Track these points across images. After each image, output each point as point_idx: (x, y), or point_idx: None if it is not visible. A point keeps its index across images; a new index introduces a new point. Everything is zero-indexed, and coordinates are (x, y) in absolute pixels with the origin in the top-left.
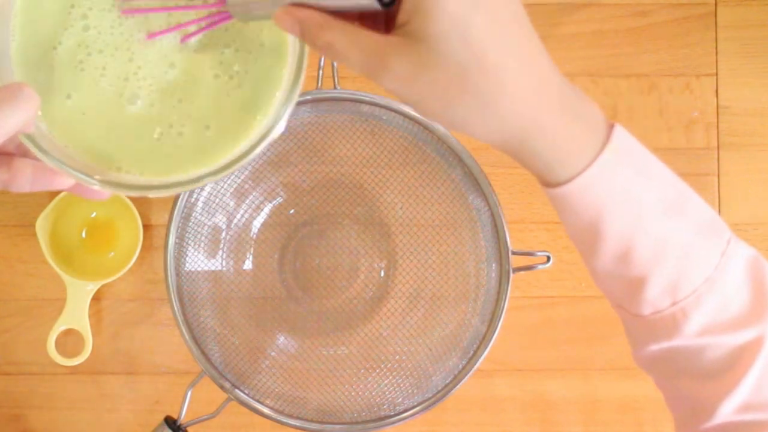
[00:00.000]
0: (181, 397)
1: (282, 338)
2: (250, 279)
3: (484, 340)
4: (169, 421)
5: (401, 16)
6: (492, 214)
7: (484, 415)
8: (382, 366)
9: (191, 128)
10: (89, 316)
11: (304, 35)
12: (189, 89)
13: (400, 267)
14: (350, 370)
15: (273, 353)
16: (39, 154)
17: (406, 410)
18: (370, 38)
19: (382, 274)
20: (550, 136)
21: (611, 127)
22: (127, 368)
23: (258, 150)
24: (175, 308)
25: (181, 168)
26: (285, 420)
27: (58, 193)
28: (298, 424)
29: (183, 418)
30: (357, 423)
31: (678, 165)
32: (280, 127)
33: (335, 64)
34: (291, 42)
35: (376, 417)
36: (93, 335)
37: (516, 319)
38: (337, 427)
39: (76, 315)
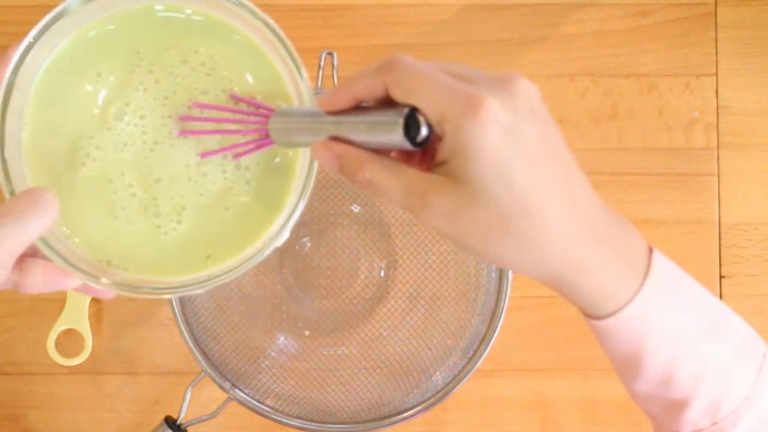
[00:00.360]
0: (181, 397)
1: (282, 338)
2: (250, 279)
3: (484, 340)
4: (169, 421)
5: (440, 155)
6: None
7: (484, 415)
8: (382, 366)
9: (203, 234)
10: (89, 316)
11: (343, 169)
12: (203, 197)
13: (400, 267)
14: (350, 370)
15: (273, 353)
16: (52, 256)
17: (406, 410)
18: (410, 175)
19: (382, 274)
20: (592, 273)
21: (650, 251)
22: (127, 368)
23: (263, 256)
24: (175, 308)
25: (189, 271)
26: (285, 420)
27: None
28: (298, 424)
29: (183, 418)
30: (357, 423)
31: (678, 165)
32: (285, 235)
33: (335, 63)
34: (302, 158)
35: (376, 417)
36: (93, 335)
37: (516, 319)
38: (337, 427)
39: (76, 315)
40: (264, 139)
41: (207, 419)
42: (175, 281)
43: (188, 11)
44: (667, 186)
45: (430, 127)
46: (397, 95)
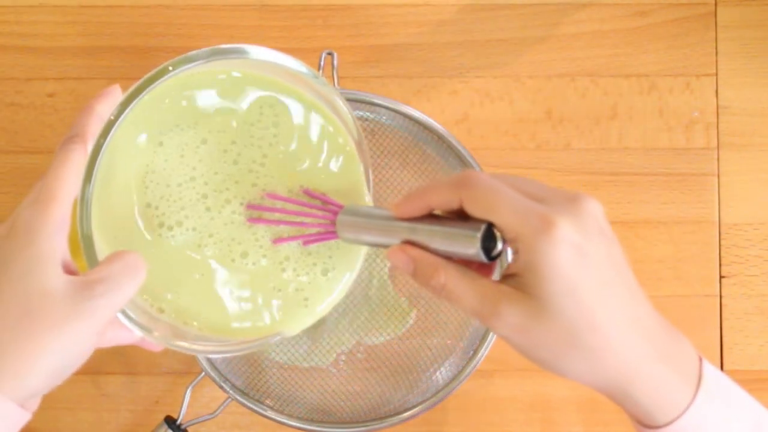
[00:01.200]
0: (181, 397)
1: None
2: None
3: (483, 340)
4: (169, 421)
5: (513, 268)
6: None
7: (484, 415)
8: (382, 366)
9: (262, 304)
10: None
11: (417, 273)
12: (267, 272)
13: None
14: (350, 369)
15: (273, 353)
16: (121, 317)
17: (406, 410)
18: (484, 284)
19: (385, 274)
20: (650, 385)
21: (700, 360)
22: (127, 368)
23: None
24: None
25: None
26: (285, 420)
27: None
28: (298, 424)
29: (183, 418)
30: (357, 423)
31: (678, 165)
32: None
33: (335, 63)
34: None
35: (376, 417)
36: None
37: None
38: (337, 427)
39: None
40: (329, 234)
41: (207, 419)
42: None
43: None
44: (667, 186)
45: (503, 241)
46: (473, 212)
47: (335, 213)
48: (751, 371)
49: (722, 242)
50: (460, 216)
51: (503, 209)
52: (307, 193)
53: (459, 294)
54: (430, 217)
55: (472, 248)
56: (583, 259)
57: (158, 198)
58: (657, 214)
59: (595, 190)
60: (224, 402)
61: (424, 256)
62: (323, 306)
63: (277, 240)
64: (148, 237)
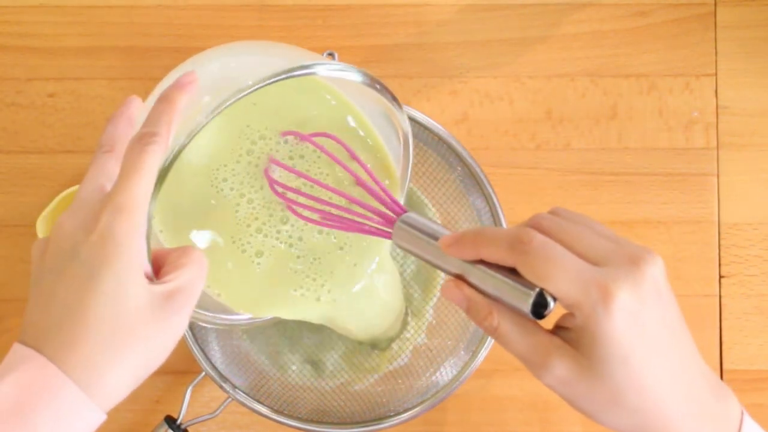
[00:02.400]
0: (182, 396)
1: (282, 338)
2: None
3: (483, 340)
4: (169, 421)
5: (566, 321)
6: (492, 214)
7: (484, 415)
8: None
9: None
10: None
11: (471, 312)
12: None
13: (401, 267)
14: (350, 369)
15: (273, 353)
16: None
17: (406, 410)
18: (536, 333)
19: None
20: None
21: (742, 414)
22: None
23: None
24: None
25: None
26: (285, 420)
27: (58, 193)
28: (297, 424)
29: (183, 418)
30: (357, 423)
31: (678, 165)
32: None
33: None
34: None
35: (376, 417)
36: None
37: None
38: (337, 427)
39: None
40: (382, 231)
41: (207, 419)
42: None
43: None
44: (667, 186)
45: (554, 300)
46: (528, 276)
47: (395, 212)
48: (751, 371)
49: (722, 242)
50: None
51: (559, 279)
52: (370, 181)
53: (510, 339)
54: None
55: (524, 306)
56: (638, 327)
57: (221, 180)
58: (656, 214)
59: (595, 190)
60: (224, 402)
61: (478, 297)
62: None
63: (322, 220)
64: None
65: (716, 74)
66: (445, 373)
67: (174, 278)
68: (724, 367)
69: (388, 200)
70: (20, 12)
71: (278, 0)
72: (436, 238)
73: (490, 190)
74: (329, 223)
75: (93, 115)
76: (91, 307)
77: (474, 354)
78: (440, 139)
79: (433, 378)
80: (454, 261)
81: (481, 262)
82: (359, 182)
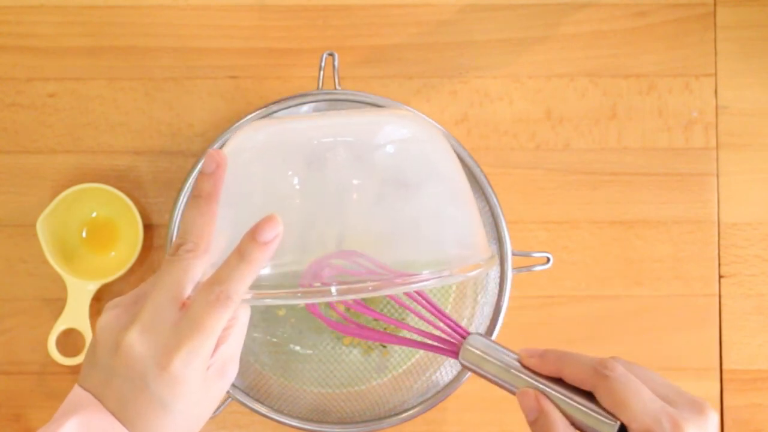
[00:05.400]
0: None
1: (282, 338)
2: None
3: None
4: None
5: None
6: (492, 214)
7: (484, 415)
8: (381, 365)
9: None
10: (90, 316)
11: (536, 423)
12: None
13: None
14: (350, 369)
15: (273, 353)
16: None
17: (406, 410)
18: None
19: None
20: None
21: None
22: None
23: None
24: None
25: None
26: (285, 420)
27: (58, 193)
28: (297, 423)
29: None
30: (357, 423)
31: (677, 165)
32: None
33: (336, 64)
34: None
35: (376, 417)
36: (93, 334)
37: (516, 319)
38: (337, 426)
39: (76, 314)
40: (448, 351)
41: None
42: None
43: None
44: (667, 186)
45: None
46: (605, 400)
47: (459, 334)
48: (750, 370)
49: (721, 242)
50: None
51: (636, 406)
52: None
53: None
54: (559, 380)
55: None
56: None
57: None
58: (656, 214)
59: (595, 190)
60: (224, 402)
61: (555, 414)
62: None
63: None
64: None
65: (716, 74)
66: (445, 373)
67: (222, 352)
68: (724, 366)
69: (457, 328)
70: (20, 12)
71: (278, 0)
72: (503, 360)
73: (490, 190)
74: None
75: (93, 115)
76: (163, 420)
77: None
78: None
79: (433, 378)
80: (527, 379)
81: (558, 381)
82: (433, 311)
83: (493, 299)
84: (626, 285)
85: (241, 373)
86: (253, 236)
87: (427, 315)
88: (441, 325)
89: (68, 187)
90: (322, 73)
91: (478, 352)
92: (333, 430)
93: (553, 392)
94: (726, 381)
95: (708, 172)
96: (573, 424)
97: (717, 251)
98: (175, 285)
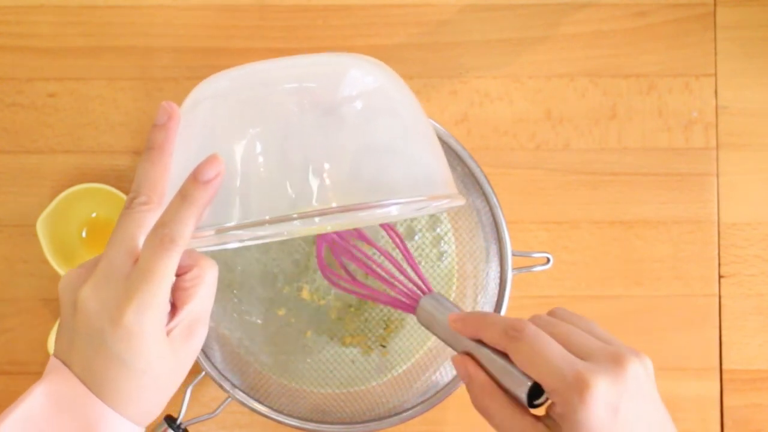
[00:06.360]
0: (181, 396)
1: (282, 338)
2: (252, 279)
3: None
4: (169, 420)
5: (552, 411)
6: (492, 214)
7: None
8: (382, 365)
9: None
10: None
11: (469, 388)
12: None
13: None
14: (350, 369)
15: (273, 353)
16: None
17: (406, 410)
18: (522, 420)
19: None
20: None
21: None
22: None
23: None
24: None
25: None
26: (285, 419)
27: (58, 193)
28: (297, 423)
29: (183, 417)
30: (357, 423)
31: (677, 165)
32: None
33: None
34: None
35: (376, 417)
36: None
37: None
38: (337, 426)
39: None
40: (405, 305)
41: (207, 419)
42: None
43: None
44: (667, 186)
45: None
46: (517, 362)
47: (421, 290)
48: (750, 370)
49: (721, 242)
50: None
51: (542, 366)
52: (411, 263)
53: (498, 421)
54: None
55: (519, 391)
56: (614, 417)
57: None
58: (656, 214)
59: (594, 190)
60: (224, 401)
61: (480, 376)
62: None
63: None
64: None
65: (716, 74)
66: (445, 373)
67: (189, 312)
68: (724, 366)
69: (423, 285)
70: (20, 12)
71: (278, 0)
72: (446, 323)
73: (490, 190)
74: (363, 292)
75: (93, 115)
76: (126, 380)
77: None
78: (440, 138)
79: (433, 378)
80: (465, 341)
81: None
82: (397, 267)
83: (493, 299)
84: (626, 285)
85: (241, 373)
86: (194, 176)
87: (395, 271)
88: (408, 280)
89: (68, 187)
90: None
91: (427, 313)
92: (333, 430)
93: (479, 354)
94: (726, 381)
95: (708, 172)
96: (500, 385)
97: (717, 251)
98: (128, 238)
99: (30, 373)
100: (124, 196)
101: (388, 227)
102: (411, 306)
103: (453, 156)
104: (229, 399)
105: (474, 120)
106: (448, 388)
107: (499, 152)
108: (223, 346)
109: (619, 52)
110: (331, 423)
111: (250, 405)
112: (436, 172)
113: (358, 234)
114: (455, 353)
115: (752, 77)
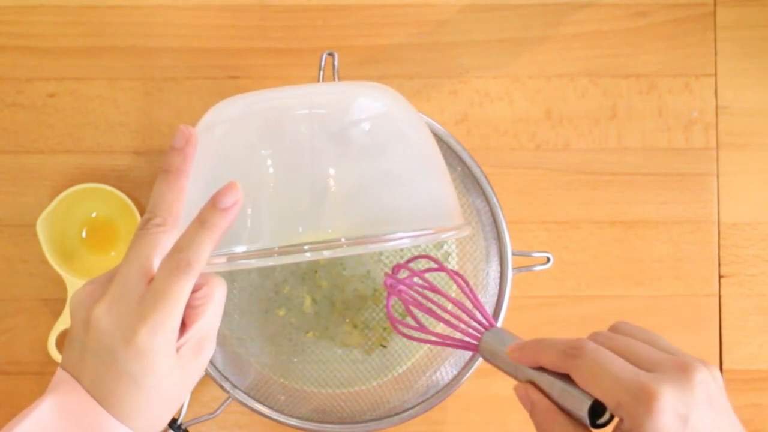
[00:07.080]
0: None
1: (282, 338)
2: (252, 278)
3: None
4: (170, 421)
5: (619, 429)
6: (492, 214)
7: (484, 414)
8: (382, 365)
9: None
10: None
11: (533, 414)
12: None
13: None
14: (351, 369)
15: (273, 353)
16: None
17: (406, 410)
18: None
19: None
20: None
21: None
22: None
23: None
24: None
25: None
26: (285, 419)
27: (58, 193)
28: (298, 423)
29: (183, 418)
30: (357, 423)
31: (677, 165)
32: None
33: (336, 64)
34: None
35: (376, 417)
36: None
37: (516, 319)
38: (337, 426)
39: None
40: (469, 345)
41: (207, 419)
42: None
43: None
44: (666, 186)
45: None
46: (579, 381)
47: (483, 326)
48: (750, 370)
49: (721, 242)
50: None
51: (605, 381)
52: (473, 301)
53: None
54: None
55: (581, 412)
56: (685, 428)
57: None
58: (656, 214)
59: (595, 190)
60: (224, 402)
61: (542, 402)
62: None
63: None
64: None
65: (716, 74)
66: (445, 373)
67: (198, 329)
68: (724, 366)
69: (486, 322)
70: (20, 12)
71: (278, 0)
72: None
73: (490, 190)
74: (434, 340)
75: (93, 115)
76: (135, 396)
77: (474, 354)
78: (440, 139)
79: (433, 378)
80: (526, 371)
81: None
82: (460, 307)
83: (493, 299)
84: (626, 285)
85: (242, 373)
86: (213, 203)
87: (461, 314)
88: (473, 320)
89: (68, 187)
90: (322, 73)
91: (489, 349)
92: (333, 430)
93: (540, 381)
94: (726, 381)
95: (708, 172)
96: (562, 409)
97: (717, 251)
98: (143, 259)
99: (30, 373)
100: (124, 196)
101: (455, 274)
102: (476, 346)
103: (453, 156)
104: (230, 399)
105: (474, 120)
106: (448, 388)
107: (499, 152)
108: (224, 346)
109: (619, 52)
110: (332, 423)
111: (251, 405)
112: (446, 203)
113: (426, 283)
114: (503, 373)
115: (752, 77)
